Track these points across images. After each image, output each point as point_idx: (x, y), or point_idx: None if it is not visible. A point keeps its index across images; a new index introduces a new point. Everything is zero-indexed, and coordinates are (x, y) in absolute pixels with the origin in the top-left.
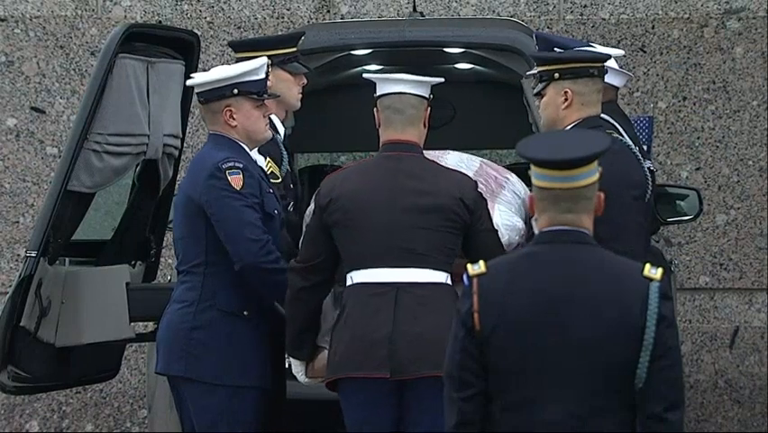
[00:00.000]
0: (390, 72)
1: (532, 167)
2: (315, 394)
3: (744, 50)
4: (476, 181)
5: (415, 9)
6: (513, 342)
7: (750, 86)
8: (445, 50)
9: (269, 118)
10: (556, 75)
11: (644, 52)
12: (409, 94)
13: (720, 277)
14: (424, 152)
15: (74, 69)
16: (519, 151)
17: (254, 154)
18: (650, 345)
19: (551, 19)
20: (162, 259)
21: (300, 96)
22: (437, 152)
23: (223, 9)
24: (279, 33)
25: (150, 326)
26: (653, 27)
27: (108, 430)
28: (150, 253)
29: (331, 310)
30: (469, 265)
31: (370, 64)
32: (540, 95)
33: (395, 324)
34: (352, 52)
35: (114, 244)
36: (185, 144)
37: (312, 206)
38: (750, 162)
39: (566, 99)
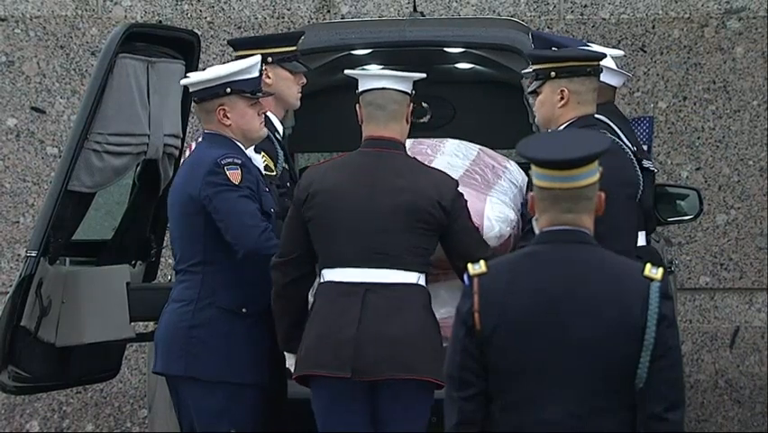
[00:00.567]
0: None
1: (532, 167)
2: None
3: (744, 49)
4: (457, 181)
5: (415, 9)
6: (513, 342)
7: (750, 86)
8: (445, 49)
9: (267, 116)
10: (552, 73)
11: (645, 52)
12: (391, 89)
13: (720, 277)
14: (423, 139)
15: (74, 69)
16: (519, 151)
17: (250, 152)
18: (650, 345)
19: (551, 19)
20: (162, 259)
21: (300, 95)
22: (435, 140)
23: (223, 9)
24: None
25: (151, 325)
26: (653, 27)
27: (108, 430)
28: (150, 252)
29: None
30: (469, 265)
31: (370, 64)
32: (535, 93)
33: (361, 324)
34: (353, 52)
35: (114, 244)
36: (185, 144)
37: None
38: (750, 162)
39: (562, 98)
